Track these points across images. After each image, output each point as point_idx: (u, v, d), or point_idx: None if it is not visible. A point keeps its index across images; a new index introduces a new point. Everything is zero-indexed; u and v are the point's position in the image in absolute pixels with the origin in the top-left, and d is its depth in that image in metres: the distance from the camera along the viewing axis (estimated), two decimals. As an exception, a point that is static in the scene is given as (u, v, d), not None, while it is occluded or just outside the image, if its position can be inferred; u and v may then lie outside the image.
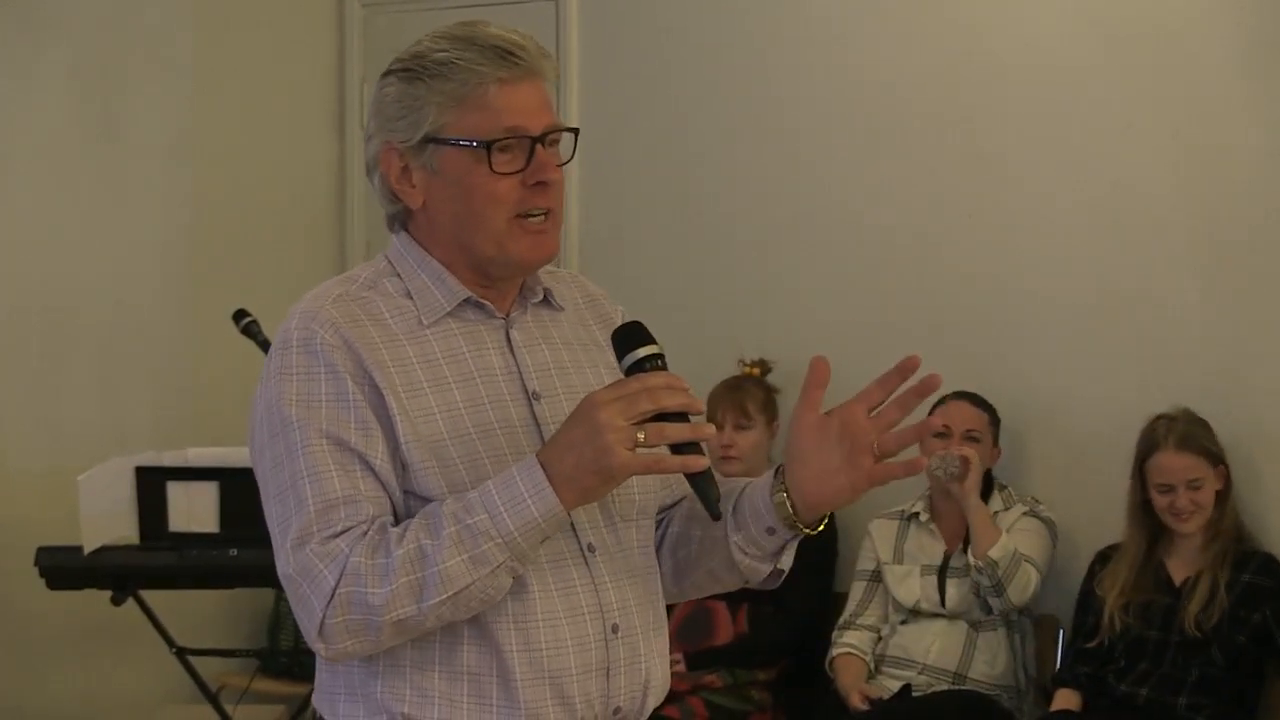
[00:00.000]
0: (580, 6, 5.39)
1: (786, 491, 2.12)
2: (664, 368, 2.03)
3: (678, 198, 5.27)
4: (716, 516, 2.04)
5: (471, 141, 2.07)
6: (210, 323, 4.97)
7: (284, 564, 2.01)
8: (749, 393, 4.79)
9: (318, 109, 5.82)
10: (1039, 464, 4.73)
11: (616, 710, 2.11)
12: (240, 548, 4.15)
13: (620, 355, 2.05)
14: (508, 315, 2.16)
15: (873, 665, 4.58)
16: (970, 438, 4.54)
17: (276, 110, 5.64)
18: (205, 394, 5.32)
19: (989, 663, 4.47)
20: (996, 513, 4.56)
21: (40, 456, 4.98)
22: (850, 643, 4.59)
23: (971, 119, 4.83)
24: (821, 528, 2.16)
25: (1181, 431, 4.29)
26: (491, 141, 2.07)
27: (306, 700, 4.60)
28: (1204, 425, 4.31)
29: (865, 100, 4.98)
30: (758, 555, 2.17)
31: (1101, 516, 4.49)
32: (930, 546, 4.60)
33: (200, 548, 4.16)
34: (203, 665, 4.50)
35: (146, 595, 4.33)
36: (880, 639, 4.60)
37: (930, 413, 4.61)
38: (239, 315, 4.37)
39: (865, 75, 4.98)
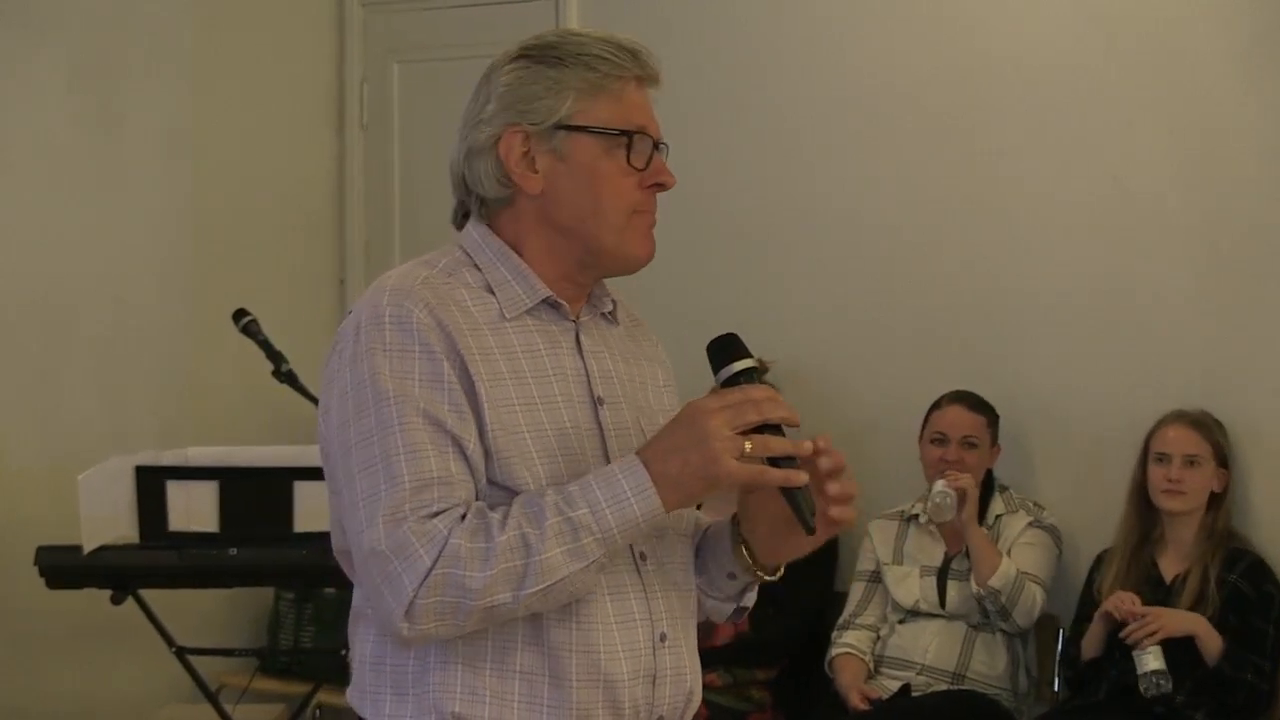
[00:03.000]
0: (580, 6, 5.39)
1: (745, 543, 2.17)
2: (758, 381, 2.07)
3: (677, 197, 5.24)
4: (811, 531, 2.05)
5: (612, 130, 2.10)
6: (210, 321, 4.97)
7: (373, 539, 1.97)
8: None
9: (317, 107, 5.81)
10: (1039, 463, 4.73)
11: (660, 719, 2.12)
12: (240, 547, 4.15)
13: (716, 366, 2.09)
14: (578, 319, 2.17)
15: (872, 665, 4.57)
16: (968, 444, 4.54)
17: (276, 109, 5.63)
18: (205, 393, 5.32)
19: (987, 663, 4.46)
20: (999, 516, 4.56)
21: (40, 455, 4.98)
22: (849, 643, 4.59)
23: (972, 118, 4.83)
24: (780, 573, 2.20)
25: (1196, 416, 4.31)
26: (629, 132, 2.10)
27: (306, 700, 4.61)
28: (1220, 425, 4.34)
29: (864, 99, 4.98)
30: (720, 597, 2.23)
31: (1102, 516, 4.48)
32: (930, 548, 4.60)
33: (200, 547, 4.16)
34: (202, 664, 4.49)
35: (146, 594, 4.32)
36: (879, 639, 4.60)
37: (927, 416, 4.62)
38: (238, 314, 4.37)
39: (864, 74, 4.98)
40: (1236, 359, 4.47)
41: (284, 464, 4.15)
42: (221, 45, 5.45)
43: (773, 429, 2.00)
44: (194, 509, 4.16)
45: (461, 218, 2.20)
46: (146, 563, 4.19)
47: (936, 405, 4.62)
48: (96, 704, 5.08)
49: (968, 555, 4.49)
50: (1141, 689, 4.08)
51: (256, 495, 4.14)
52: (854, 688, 4.46)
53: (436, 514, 1.97)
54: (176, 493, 4.15)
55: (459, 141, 2.16)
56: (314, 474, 4.16)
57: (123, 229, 5.21)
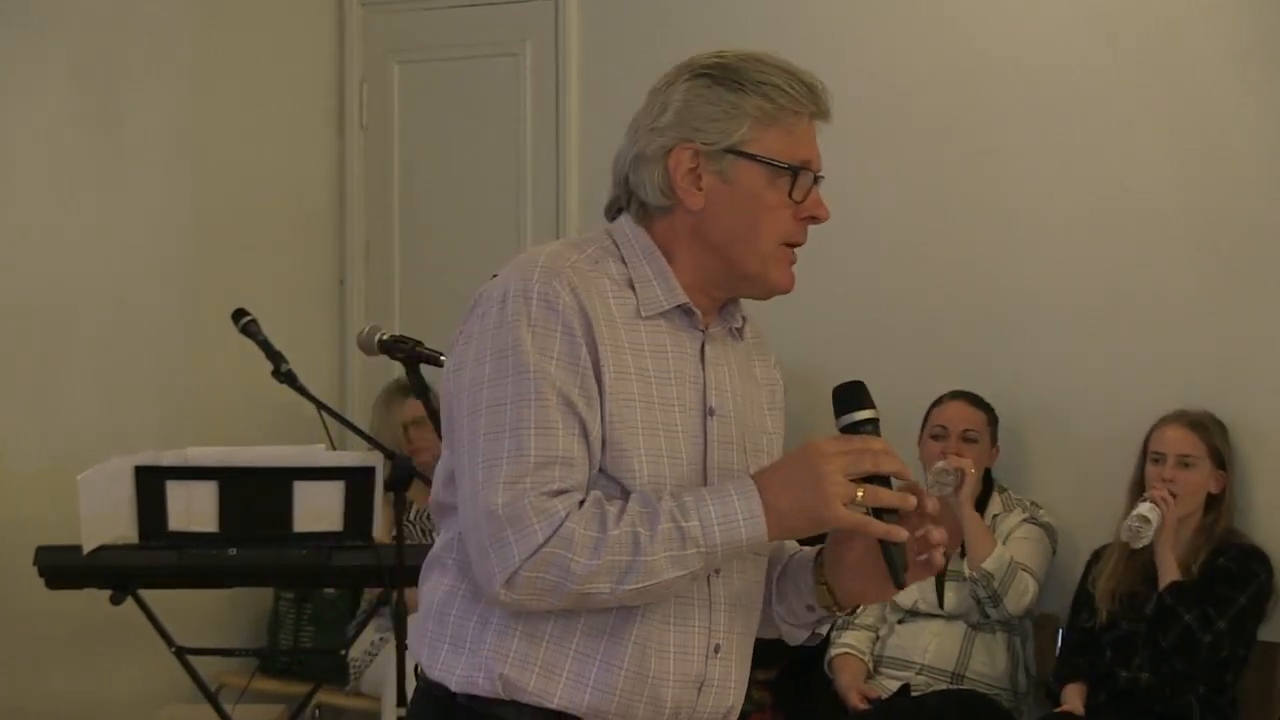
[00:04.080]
0: (580, 6, 5.39)
1: (827, 583, 2.22)
2: (877, 433, 2.14)
3: (678, 197, 5.26)
4: (900, 586, 2.11)
5: (781, 164, 2.16)
6: (210, 321, 4.97)
7: (490, 501, 2.02)
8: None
9: (317, 107, 5.82)
10: (1038, 464, 4.73)
11: None
12: (240, 547, 4.15)
13: (839, 411, 2.17)
14: (706, 329, 2.21)
15: (871, 665, 4.57)
16: (968, 438, 4.54)
17: (276, 109, 5.64)
18: (205, 393, 5.32)
19: (987, 662, 4.46)
20: (996, 515, 4.56)
21: (39, 456, 4.98)
22: (848, 643, 4.59)
23: (972, 118, 4.83)
24: (860, 610, 2.28)
25: (1195, 417, 4.31)
26: (796, 168, 2.16)
27: (306, 700, 4.61)
28: (1220, 426, 4.34)
29: (865, 99, 4.98)
30: (795, 623, 2.29)
31: (1101, 516, 4.48)
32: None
33: (200, 547, 4.16)
34: (202, 664, 4.49)
35: (146, 594, 4.32)
36: (878, 639, 4.60)
37: (927, 414, 4.62)
38: (238, 314, 4.37)
39: (864, 74, 4.97)
40: (1238, 359, 4.47)
41: (284, 464, 4.15)
42: (222, 45, 5.45)
43: (882, 480, 2.07)
44: (194, 509, 4.15)
45: (615, 212, 2.25)
46: (146, 563, 4.19)
47: (937, 402, 4.63)
48: (96, 704, 5.07)
49: (963, 555, 4.49)
50: (1123, 526, 4.17)
51: (256, 495, 4.15)
52: (853, 688, 4.46)
53: (557, 493, 2.03)
54: (176, 493, 4.15)
55: (628, 143, 2.22)
56: (313, 474, 4.21)
57: (123, 229, 5.21)
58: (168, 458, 4.19)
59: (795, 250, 2.21)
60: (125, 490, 4.15)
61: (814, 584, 2.22)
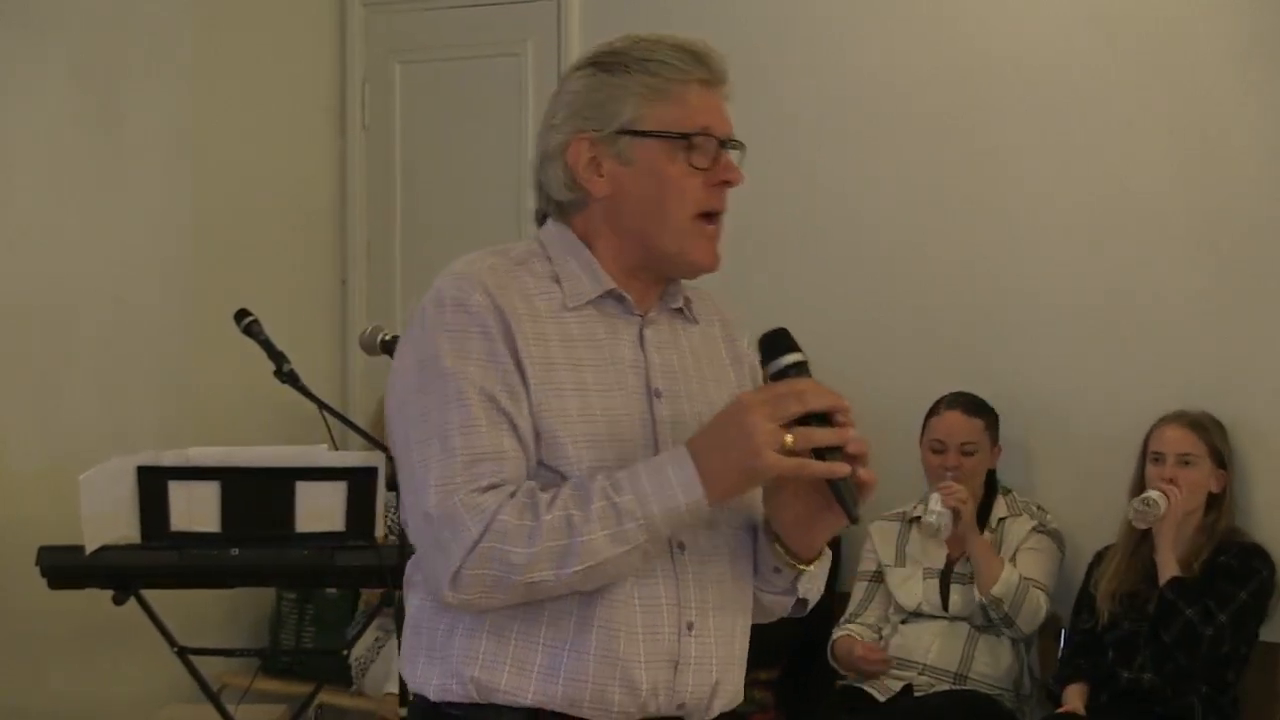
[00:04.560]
0: (582, 7, 5.40)
1: (776, 537, 2.19)
2: (808, 374, 2.10)
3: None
4: (855, 520, 2.10)
5: (672, 134, 2.15)
6: (211, 321, 4.97)
7: (425, 505, 2.05)
8: (755, 391, 4.79)
9: (319, 107, 5.82)
10: (1040, 463, 4.73)
11: (681, 705, 2.16)
12: (242, 547, 4.15)
13: (766, 361, 2.12)
14: (645, 314, 2.22)
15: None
16: (965, 451, 4.53)
17: (277, 109, 5.64)
18: (206, 393, 5.32)
19: (990, 664, 4.46)
20: (1002, 518, 4.56)
21: (41, 456, 4.98)
22: (850, 630, 4.59)
23: (972, 118, 4.83)
24: (817, 560, 2.23)
25: (1194, 417, 4.32)
26: (689, 135, 2.16)
27: (308, 700, 4.61)
28: (1219, 426, 4.34)
29: (865, 99, 4.99)
30: (775, 590, 2.26)
31: (1101, 517, 4.49)
32: (932, 549, 4.60)
33: (202, 547, 4.16)
34: (204, 665, 4.49)
35: (148, 595, 4.32)
36: (881, 638, 4.60)
37: (925, 423, 4.62)
38: (240, 315, 4.37)
39: (864, 74, 4.98)
40: (1238, 359, 4.48)
41: (286, 464, 4.15)
42: (222, 45, 5.45)
43: (820, 419, 2.04)
44: (196, 509, 4.16)
45: (543, 218, 2.27)
46: (148, 563, 4.19)
47: (934, 410, 4.61)
48: (98, 704, 5.08)
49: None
50: (1130, 506, 4.23)
51: (258, 495, 4.15)
52: (858, 649, 4.45)
53: (488, 488, 2.04)
54: (178, 493, 4.15)
55: (535, 148, 2.24)
56: (315, 474, 4.21)
57: (124, 229, 5.21)
58: (169, 458, 4.19)
59: (718, 223, 2.20)
60: (127, 490, 4.15)
61: (769, 544, 2.20)
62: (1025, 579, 4.42)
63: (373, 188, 5.81)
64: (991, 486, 4.61)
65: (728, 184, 2.19)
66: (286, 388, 4.32)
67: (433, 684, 2.14)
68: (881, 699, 4.44)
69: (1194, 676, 4.17)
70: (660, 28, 5.72)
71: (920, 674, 4.48)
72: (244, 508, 4.15)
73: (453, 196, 5.60)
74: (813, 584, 2.27)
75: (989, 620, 4.44)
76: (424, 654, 2.16)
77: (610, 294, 2.19)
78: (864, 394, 4.93)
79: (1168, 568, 4.18)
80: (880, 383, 4.94)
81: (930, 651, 4.48)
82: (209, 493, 4.17)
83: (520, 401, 2.08)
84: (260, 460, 4.19)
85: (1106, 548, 4.41)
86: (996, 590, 4.37)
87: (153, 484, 4.15)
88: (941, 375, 4.76)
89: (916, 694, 4.44)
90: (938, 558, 4.58)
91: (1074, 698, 4.31)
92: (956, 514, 4.38)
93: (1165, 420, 4.34)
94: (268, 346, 4.27)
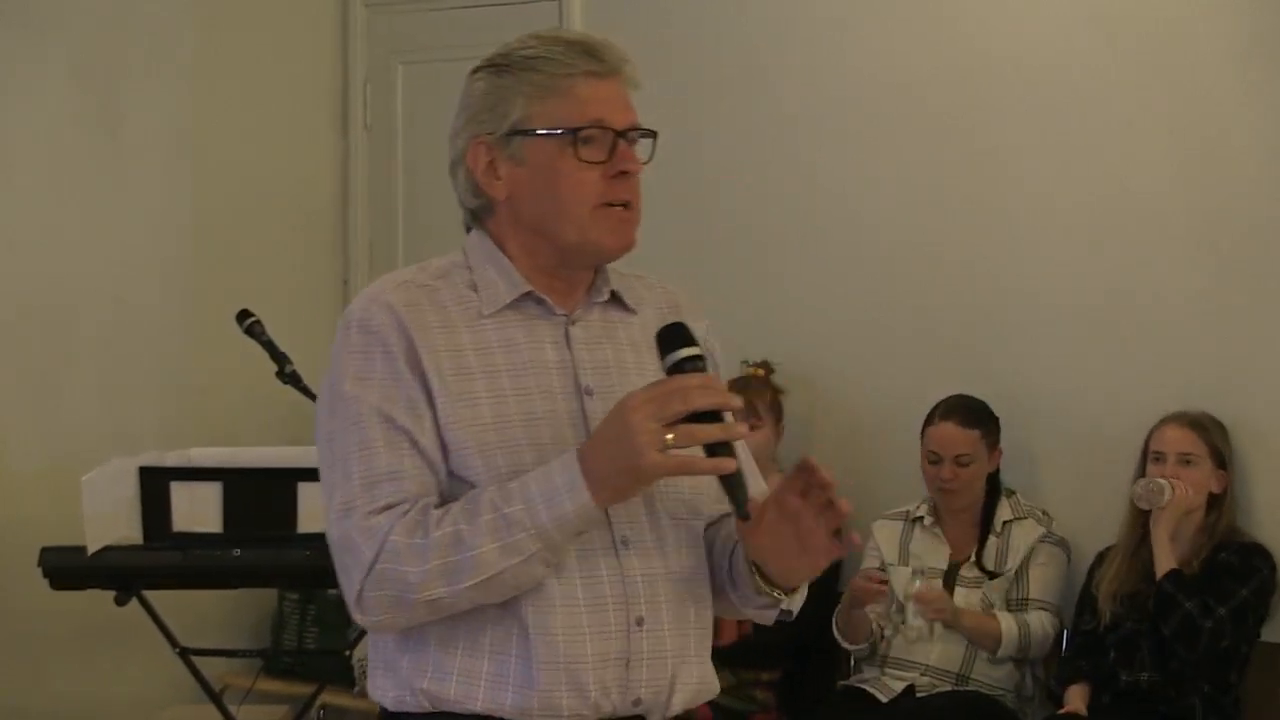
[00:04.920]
0: (583, 7, 5.40)
1: (756, 566, 2.17)
2: (703, 369, 2.08)
3: (681, 198, 5.26)
4: (745, 518, 2.08)
5: (558, 130, 2.14)
6: (213, 322, 4.97)
7: (329, 532, 2.11)
8: (757, 392, 4.79)
9: (320, 108, 5.82)
10: (1041, 464, 4.73)
11: (636, 701, 2.14)
12: (244, 548, 4.15)
13: (662, 355, 2.10)
14: (571, 312, 2.22)
15: (879, 662, 4.57)
16: (960, 462, 4.53)
17: (278, 109, 5.64)
18: (208, 394, 5.32)
19: (992, 664, 4.46)
20: (1007, 521, 4.55)
21: (43, 456, 4.98)
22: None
23: (972, 118, 4.83)
24: (798, 593, 2.21)
25: (1195, 417, 4.32)
26: (577, 129, 2.14)
27: (310, 700, 4.61)
28: (1220, 426, 4.34)
29: (865, 100, 4.99)
30: (758, 606, 2.24)
31: (1102, 518, 4.49)
32: (935, 549, 4.60)
33: (203, 548, 4.16)
34: (206, 665, 4.49)
35: (150, 595, 4.32)
36: (883, 638, 4.59)
37: (924, 428, 4.61)
38: (242, 316, 4.38)
39: (864, 75, 4.98)
40: (1239, 359, 4.47)
41: (288, 465, 4.15)
42: (223, 45, 5.45)
43: (712, 415, 2.02)
44: (197, 510, 4.16)
45: (469, 227, 2.29)
46: (150, 564, 4.19)
47: (930, 419, 4.59)
48: (100, 705, 5.08)
49: (976, 562, 4.50)
50: (1136, 489, 4.24)
51: (260, 496, 4.15)
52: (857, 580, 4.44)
53: (384, 509, 2.06)
54: (180, 494, 4.16)
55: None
56: (317, 475, 4.20)
57: (124, 229, 5.22)
58: (171, 458, 4.19)
59: (627, 208, 2.18)
60: (129, 491, 4.16)
61: (748, 572, 2.19)
62: (1033, 600, 4.45)
63: (374, 188, 5.81)
64: (994, 488, 4.60)
65: (624, 174, 2.17)
66: (288, 388, 4.32)
67: (389, 696, 2.16)
68: (884, 699, 4.45)
69: (1196, 677, 4.17)
70: (660, 28, 5.79)
71: (922, 675, 4.48)
72: (246, 508, 4.15)
73: (454, 197, 5.59)
74: (799, 596, 2.25)
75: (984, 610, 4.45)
76: (380, 667, 2.18)
77: (528, 296, 2.19)
78: (864, 393, 4.99)
79: (1165, 560, 4.18)
80: (880, 382, 4.94)
81: (932, 653, 4.48)
82: (211, 493, 4.17)
83: (423, 418, 2.09)
84: (262, 461, 4.19)
85: (1108, 548, 4.41)
86: (1003, 653, 4.39)
87: (155, 485, 4.15)
88: (942, 375, 4.76)
89: (918, 695, 4.44)
90: (939, 558, 4.58)
91: (1075, 698, 4.31)
92: (938, 612, 4.37)
93: (1166, 420, 4.34)
94: (270, 347, 4.28)
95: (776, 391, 4.87)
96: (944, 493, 4.55)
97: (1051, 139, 4.72)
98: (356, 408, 2.09)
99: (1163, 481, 4.22)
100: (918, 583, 4.39)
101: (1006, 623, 4.41)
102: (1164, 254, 4.58)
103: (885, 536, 4.67)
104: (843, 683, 4.63)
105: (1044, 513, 4.60)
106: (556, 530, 2.03)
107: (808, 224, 5.07)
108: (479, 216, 2.24)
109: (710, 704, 4.62)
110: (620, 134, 2.16)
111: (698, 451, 2.03)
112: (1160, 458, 4.30)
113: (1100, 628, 4.33)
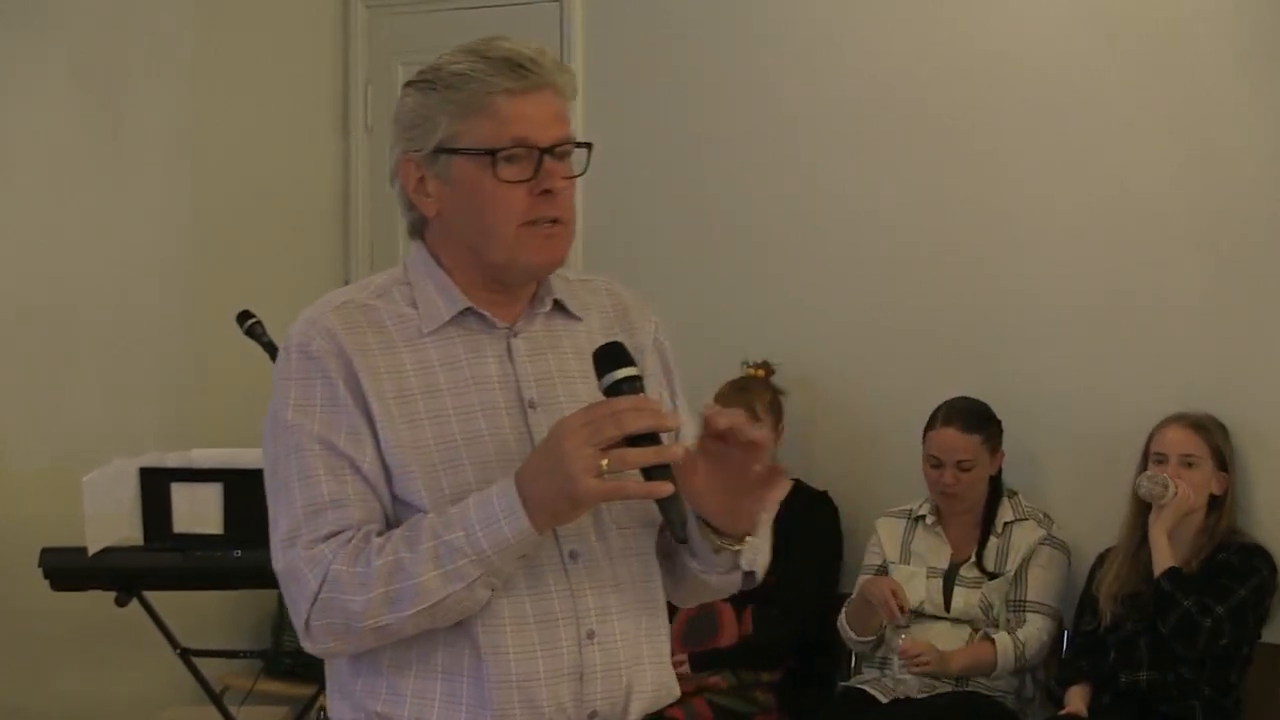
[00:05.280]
0: (585, 7, 5.40)
1: (707, 524, 2.16)
2: (640, 389, 2.07)
3: (682, 198, 5.27)
4: (681, 540, 2.09)
5: (478, 150, 2.12)
6: (214, 323, 4.97)
7: (275, 561, 2.10)
8: (757, 393, 4.79)
9: (321, 109, 5.82)
10: (1043, 465, 4.72)
11: (592, 714, 2.14)
12: (244, 549, 4.15)
13: (599, 375, 2.08)
14: (513, 325, 2.20)
15: (879, 663, 4.57)
16: (962, 468, 4.52)
17: (280, 110, 5.64)
18: (209, 395, 5.32)
19: (993, 667, 4.47)
20: (1008, 523, 4.55)
21: (44, 457, 4.99)
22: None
23: (973, 120, 4.83)
24: (752, 534, 2.18)
25: (1196, 418, 4.32)
26: (497, 150, 2.11)
27: (310, 701, 4.61)
28: (1221, 427, 4.34)
29: (866, 101, 4.99)
30: (722, 570, 2.21)
31: (1102, 519, 4.48)
32: (938, 549, 4.60)
33: (204, 549, 4.17)
34: (206, 666, 4.50)
35: (150, 596, 4.33)
36: (883, 641, 4.59)
37: (923, 439, 4.61)
38: (243, 317, 4.38)
39: (865, 76, 4.98)
40: (1240, 361, 4.47)
41: (288, 466, 4.15)
42: (224, 46, 5.45)
43: (649, 438, 2.01)
44: (198, 511, 4.16)
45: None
46: (151, 564, 4.20)
47: (931, 423, 4.59)
48: (100, 706, 5.08)
49: (976, 563, 4.50)
50: (1139, 481, 4.24)
51: (261, 497, 4.12)
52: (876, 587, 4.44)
53: (328, 537, 2.06)
54: (181, 494, 4.16)
55: None
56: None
57: (126, 230, 5.22)
58: (172, 459, 4.20)
59: (555, 224, 2.15)
60: (130, 492, 4.16)
61: (702, 532, 2.17)
62: (1031, 603, 4.45)
63: (375, 189, 5.81)
64: (996, 489, 4.60)
65: (547, 192, 2.14)
66: (289, 389, 4.31)
67: (346, 718, 2.16)
68: (884, 700, 4.44)
69: (1196, 678, 4.16)
70: (660, 29, 5.79)
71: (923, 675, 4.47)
72: (246, 509, 4.14)
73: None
74: (757, 555, 2.23)
75: (992, 623, 4.45)
76: (336, 691, 2.18)
77: (468, 312, 2.18)
78: (865, 394, 4.99)
79: (1163, 558, 4.18)
80: (881, 383, 4.94)
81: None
82: (211, 494, 4.18)
83: (364, 443, 2.09)
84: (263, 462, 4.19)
85: (1109, 549, 4.41)
86: (1001, 676, 4.40)
87: (155, 486, 4.16)
88: (942, 375, 4.76)
89: (919, 696, 4.43)
90: (942, 557, 4.58)
91: (1076, 699, 4.31)
92: (926, 665, 4.38)
93: (1167, 421, 4.34)
94: (271, 348, 4.28)
95: (776, 392, 4.87)
96: (946, 497, 4.55)
97: (1052, 140, 4.72)
98: (298, 436, 2.08)
99: (1167, 478, 4.22)
100: (903, 636, 4.40)
101: (1003, 645, 4.40)
102: (1165, 255, 4.58)
103: (887, 533, 4.67)
104: (843, 684, 4.63)
105: (1045, 515, 4.60)
106: (497, 556, 2.02)
107: (808, 224, 5.07)
108: (417, 231, 2.23)
109: (711, 704, 4.64)
110: (546, 150, 2.13)
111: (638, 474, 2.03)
112: (1161, 459, 4.30)
113: (1101, 628, 4.33)
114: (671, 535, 2.08)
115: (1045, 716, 4.48)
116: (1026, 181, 4.77)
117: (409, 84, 2.20)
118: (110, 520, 4.17)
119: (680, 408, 2.31)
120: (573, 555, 2.13)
